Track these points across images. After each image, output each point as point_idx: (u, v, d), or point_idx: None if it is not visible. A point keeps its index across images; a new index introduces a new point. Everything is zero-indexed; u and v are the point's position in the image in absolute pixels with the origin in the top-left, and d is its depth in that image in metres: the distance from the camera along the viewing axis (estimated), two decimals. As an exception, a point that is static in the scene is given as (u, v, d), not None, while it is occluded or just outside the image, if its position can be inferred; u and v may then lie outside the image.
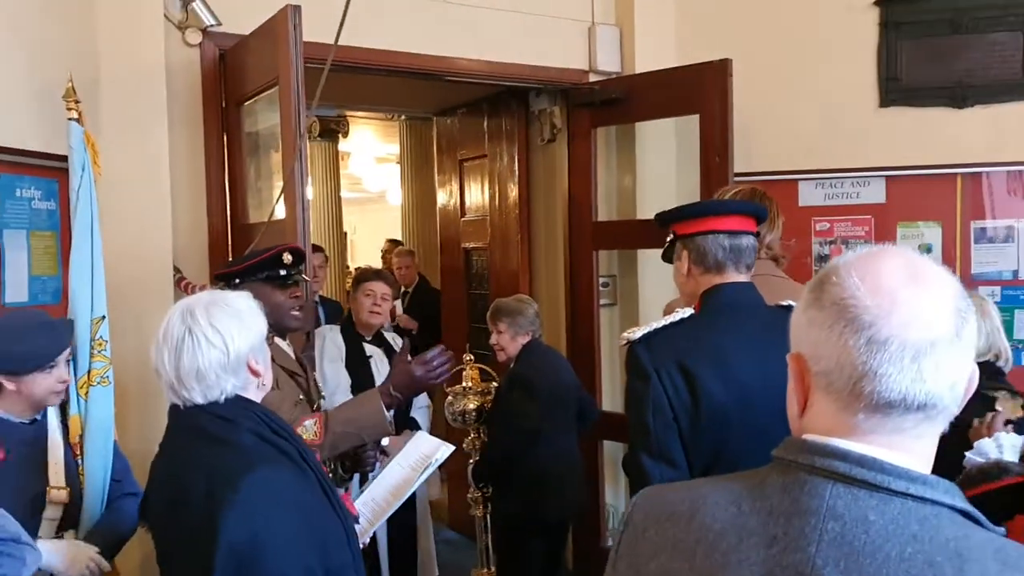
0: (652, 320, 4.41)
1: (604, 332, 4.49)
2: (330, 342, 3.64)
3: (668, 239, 2.08)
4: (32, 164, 2.90)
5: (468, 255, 5.31)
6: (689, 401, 1.83)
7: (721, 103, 3.90)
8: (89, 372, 2.44)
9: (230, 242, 3.60)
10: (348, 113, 8.16)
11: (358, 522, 1.96)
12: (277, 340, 2.64)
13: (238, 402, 1.71)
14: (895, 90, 4.32)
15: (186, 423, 1.70)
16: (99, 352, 2.45)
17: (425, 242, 7.27)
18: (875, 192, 4.38)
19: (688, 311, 1.95)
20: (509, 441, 3.41)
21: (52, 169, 2.98)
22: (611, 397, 4.53)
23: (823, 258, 4.44)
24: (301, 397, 2.60)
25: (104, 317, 2.51)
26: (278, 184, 3.22)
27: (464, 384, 3.61)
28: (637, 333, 1.92)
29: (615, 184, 4.56)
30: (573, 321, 4.48)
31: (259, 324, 1.76)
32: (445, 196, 5.47)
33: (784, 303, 2.01)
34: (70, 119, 2.61)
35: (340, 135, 8.78)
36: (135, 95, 3.31)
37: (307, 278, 2.68)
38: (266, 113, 3.41)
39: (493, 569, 3.57)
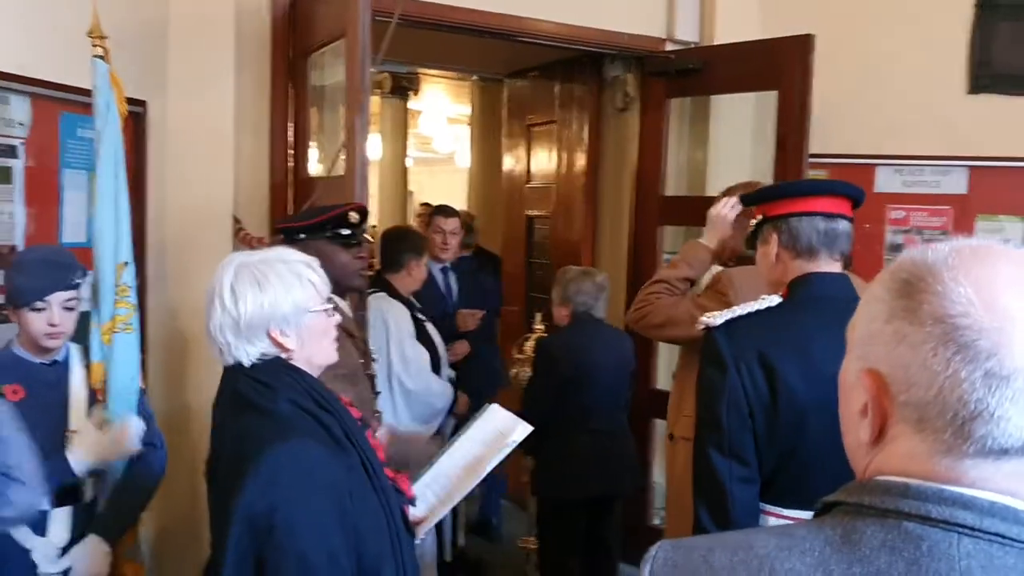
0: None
1: (663, 309, 4.39)
2: (403, 319, 3.55)
3: (753, 221, 1.96)
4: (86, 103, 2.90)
5: (531, 223, 5.24)
6: (768, 397, 1.74)
7: (802, 80, 3.74)
8: (113, 318, 2.40)
9: (291, 196, 3.58)
10: (420, 71, 8.09)
11: (414, 505, 1.90)
12: (336, 298, 2.62)
13: (278, 366, 1.64)
14: (986, 75, 4.10)
15: (226, 384, 1.67)
16: (123, 298, 2.41)
17: (489, 208, 7.21)
18: (956, 182, 4.18)
19: (774, 298, 1.83)
20: (531, 408, 3.35)
21: (118, 110, 2.99)
22: (665, 375, 4.44)
23: (896, 247, 4.26)
24: (362, 360, 2.57)
25: (128, 263, 2.46)
26: (342, 140, 3.18)
27: (528, 353, 3.60)
28: (718, 319, 1.80)
29: (686, 158, 4.43)
30: (633, 297, 4.37)
31: (291, 294, 1.65)
32: (512, 161, 5.40)
33: None
34: (95, 56, 2.51)
35: (411, 92, 8.73)
36: (203, 40, 3.30)
37: (370, 239, 2.64)
38: (333, 67, 3.36)
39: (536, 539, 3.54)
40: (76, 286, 2.24)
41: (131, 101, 2.99)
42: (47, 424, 2.17)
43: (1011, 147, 4.05)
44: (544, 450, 3.32)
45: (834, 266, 1.85)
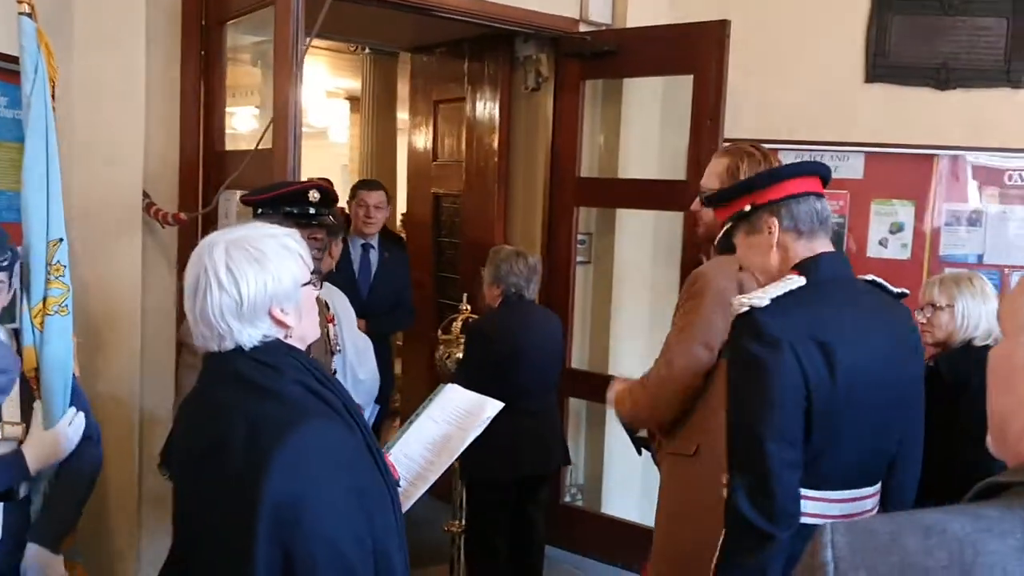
0: (627, 280, 4.48)
1: (579, 290, 4.43)
2: (348, 306, 3.42)
3: (731, 217, 1.93)
4: (-1, 68, 2.67)
5: (438, 201, 5.17)
6: (828, 378, 1.72)
7: (717, 65, 3.83)
8: (45, 300, 2.22)
9: (201, 170, 3.41)
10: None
11: (399, 484, 1.84)
12: None
13: (280, 347, 1.56)
14: (882, 66, 4.31)
15: (222, 367, 1.55)
16: (56, 278, 2.24)
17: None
18: (854, 168, 4.37)
19: (797, 280, 1.79)
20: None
21: (18, 73, 2.75)
22: (580, 354, 4.50)
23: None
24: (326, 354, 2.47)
25: (62, 240, 2.28)
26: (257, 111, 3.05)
27: (456, 333, 3.54)
28: (762, 299, 1.75)
29: (598, 141, 4.46)
30: (549, 276, 4.38)
31: (288, 268, 1.55)
32: (416, 138, 5.30)
33: (868, 277, 1.94)
34: (21, 13, 2.30)
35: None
36: (111, 3, 3.08)
37: (332, 221, 2.55)
38: (253, 35, 3.21)
39: (463, 522, 3.51)
40: (3, 267, 2.06)
41: (37, 64, 2.77)
42: None
43: (903, 135, 4.28)
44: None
45: (829, 246, 1.87)
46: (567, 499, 4.49)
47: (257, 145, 2.86)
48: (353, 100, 10.36)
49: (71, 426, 2.14)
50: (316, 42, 7.67)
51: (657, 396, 2.36)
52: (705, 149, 3.85)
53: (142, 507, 3.34)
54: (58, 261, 2.25)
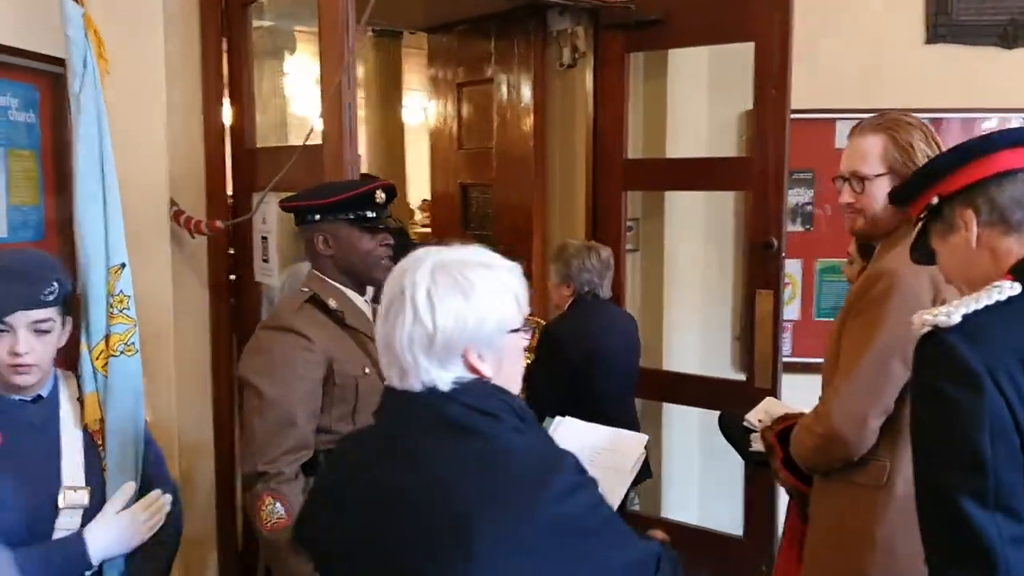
0: (679, 268, 4.18)
1: (627, 280, 4.11)
2: None
3: (920, 216, 1.53)
4: (8, 64, 2.31)
5: (465, 192, 4.83)
6: None
7: (781, 29, 3.50)
8: (108, 338, 1.90)
9: (229, 170, 3.06)
10: (297, 28, 7.43)
11: None
12: (350, 294, 2.21)
13: (489, 390, 1.32)
14: (943, 25, 4.01)
15: (414, 410, 1.32)
16: (120, 311, 1.92)
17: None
18: (917, 135, 4.09)
19: (1009, 287, 1.37)
20: (540, 404, 3.03)
21: (32, 72, 2.40)
22: (678, 356, 4.21)
23: (859, 205, 4.13)
24: (366, 371, 2.14)
25: (124, 265, 1.97)
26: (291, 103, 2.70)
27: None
28: (951, 315, 1.33)
29: (641, 118, 4.14)
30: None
31: (496, 308, 1.31)
32: (440, 125, 4.95)
33: None
34: None
35: (287, 52, 8.03)
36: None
37: (396, 222, 2.23)
38: (286, 17, 2.86)
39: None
40: (49, 302, 1.71)
41: (49, 59, 2.43)
42: (36, 482, 1.69)
43: (968, 98, 3.99)
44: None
45: None
46: (625, 505, 4.20)
47: (306, 140, 2.52)
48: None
49: (149, 511, 1.82)
50: (310, 28, 7.30)
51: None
52: (770, 121, 3.56)
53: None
54: (121, 291, 1.92)
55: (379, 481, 1.32)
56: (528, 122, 4.33)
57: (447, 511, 1.24)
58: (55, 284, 1.72)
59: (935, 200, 1.50)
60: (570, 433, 2.05)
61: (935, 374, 1.33)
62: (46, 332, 1.71)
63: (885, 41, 4.01)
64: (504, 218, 4.52)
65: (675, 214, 4.16)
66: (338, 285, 2.19)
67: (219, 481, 3.14)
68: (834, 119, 4.10)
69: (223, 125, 3.03)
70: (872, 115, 2.10)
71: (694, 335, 4.19)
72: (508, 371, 1.37)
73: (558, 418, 2.13)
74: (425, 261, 1.32)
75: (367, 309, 2.23)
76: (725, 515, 4.02)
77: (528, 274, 1.42)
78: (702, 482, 4.33)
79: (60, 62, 2.41)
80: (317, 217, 2.14)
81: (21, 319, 1.68)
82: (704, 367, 4.13)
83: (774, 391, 3.55)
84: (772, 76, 3.54)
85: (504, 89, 4.44)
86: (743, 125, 4.14)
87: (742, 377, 3.94)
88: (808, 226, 4.13)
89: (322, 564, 1.45)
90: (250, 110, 3.03)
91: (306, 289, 2.17)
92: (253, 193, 2.96)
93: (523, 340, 1.39)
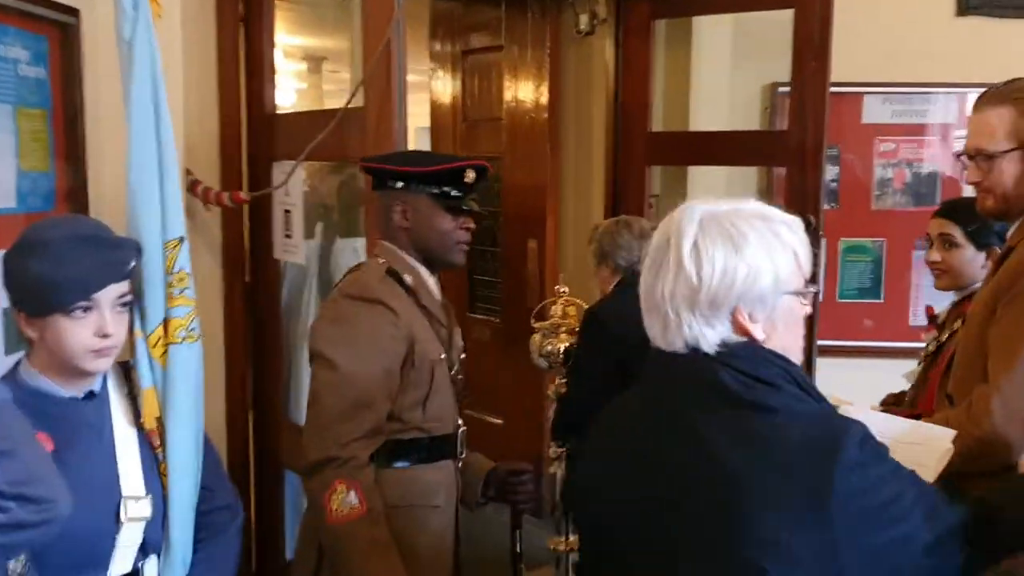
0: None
1: (650, 259, 3.93)
2: None
3: None
4: (17, 10, 2.03)
5: (470, 165, 4.59)
6: None
7: (823, -4, 3.32)
8: (166, 323, 1.65)
9: (244, 137, 2.81)
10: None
11: None
12: (423, 272, 2.01)
13: (766, 356, 1.18)
14: (975, -5, 3.89)
15: (684, 374, 1.21)
16: (181, 292, 1.66)
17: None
18: (946, 111, 3.97)
19: None
20: (582, 391, 2.83)
21: (42, 20, 2.12)
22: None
23: (886, 182, 4.00)
24: (442, 356, 1.97)
25: (183, 239, 1.71)
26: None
27: (553, 320, 3.01)
28: None
29: (663, 90, 3.95)
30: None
31: (771, 264, 1.17)
32: (440, 95, 4.70)
33: None
34: None
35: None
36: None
37: (478, 208, 2.03)
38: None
39: (574, 539, 3.01)
40: (128, 274, 1.49)
41: (60, 7, 2.16)
42: (96, 493, 1.45)
43: (1000, 73, 3.86)
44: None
45: None
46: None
47: (348, 103, 2.28)
48: (313, 60, 9.55)
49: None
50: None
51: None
52: (810, 93, 3.37)
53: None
54: (181, 268, 1.66)
55: (652, 452, 1.23)
56: (541, 92, 4.11)
57: (727, 493, 1.12)
58: (135, 253, 1.49)
59: None
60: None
61: None
62: (125, 307, 1.50)
63: (915, 13, 3.86)
64: (514, 194, 4.30)
65: (697, 191, 3.98)
66: (412, 261, 2.00)
67: (232, 475, 2.90)
68: (861, 93, 3.97)
69: (239, 88, 2.77)
70: (999, 85, 1.92)
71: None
72: (784, 337, 1.21)
73: (846, 407, 1.90)
74: (695, 210, 1.20)
75: (438, 291, 2.03)
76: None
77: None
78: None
79: (73, 11, 2.15)
80: (399, 185, 1.95)
81: (109, 295, 1.46)
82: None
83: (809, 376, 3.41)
84: (812, 46, 3.35)
85: (515, 57, 4.21)
86: (766, 98, 3.99)
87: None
88: (833, 204, 3.98)
89: (589, 533, 1.39)
90: (269, 70, 2.77)
91: (383, 260, 1.98)
92: (273, 162, 2.71)
93: (804, 307, 1.24)
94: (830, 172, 4.00)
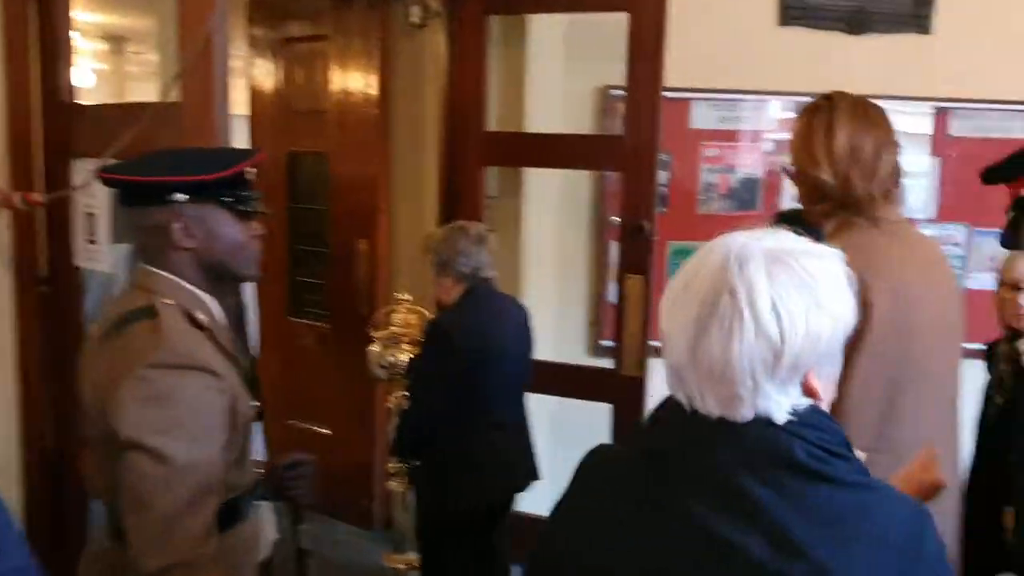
0: (536, 250, 3.95)
1: (486, 262, 3.83)
2: None
3: (1017, 203, 1.41)
4: None
5: (294, 160, 4.34)
6: None
7: (657, 1, 3.32)
8: None
9: (43, 131, 2.48)
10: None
11: None
12: (209, 301, 1.68)
13: (828, 423, 1.04)
14: (796, 7, 4.01)
15: (756, 446, 1.01)
16: None
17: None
18: (769, 118, 4.09)
19: None
20: (428, 406, 2.71)
21: None
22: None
23: (711, 187, 4.08)
24: (252, 405, 1.70)
25: None
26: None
27: (394, 329, 2.85)
28: None
29: (498, 89, 3.85)
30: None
31: (847, 313, 1.03)
32: (262, 84, 4.41)
33: None
34: None
35: None
36: None
37: (264, 209, 1.77)
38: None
39: (414, 556, 2.87)
40: None
41: None
42: None
43: (820, 81, 4.01)
44: (437, 453, 2.66)
45: None
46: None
47: (163, 97, 2.03)
48: (114, 40, 8.81)
49: None
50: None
51: None
52: (644, 98, 3.38)
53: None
54: None
55: (700, 525, 1.01)
56: (371, 85, 3.93)
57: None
58: None
59: None
60: None
61: None
62: None
63: (739, 22, 3.95)
64: (342, 191, 4.09)
65: (533, 193, 3.92)
66: (197, 291, 1.66)
67: (28, 516, 2.58)
68: (688, 99, 4.02)
69: (28, 73, 2.44)
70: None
71: (549, 320, 3.99)
72: (831, 390, 1.09)
73: None
74: (754, 251, 1.00)
75: (220, 315, 1.72)
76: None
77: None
78: (552, 474, 4.15)
79: None
80: (179, 197, 1.60)
81: None
82: (558, 354, 3.94)
83: (643, 379, 3.42)
84: (646, 51, 3.36)
85: (342, 48, 3.99)
86: (599, 100, 3.97)
87: (600, 363, 3.80)
88: (663, 208, 4.02)
89: None
90: (64, 53, 2.45)
91: (170, 301, 1.61)
92: (73, 160, 2.41)
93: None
94: (660, 176, 4.04)
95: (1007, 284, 2.39)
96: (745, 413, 1.01)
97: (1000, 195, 4.04)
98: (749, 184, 4.07)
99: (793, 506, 0.99)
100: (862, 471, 1.03)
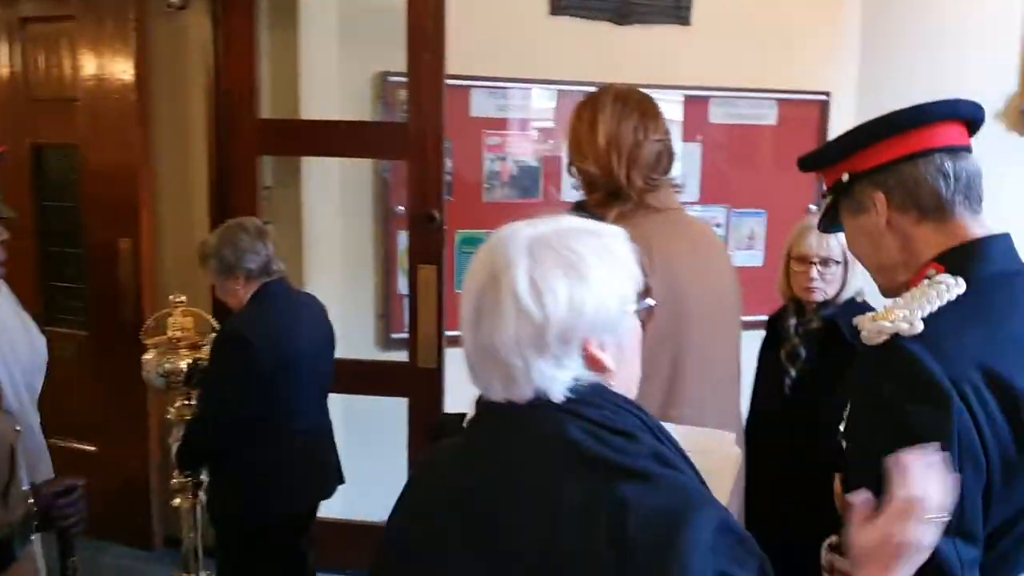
0: (319, 241, 3.79)
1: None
2: None
3: (830, 190, 1.40)
4: None
5: (39, 154, 3.90)
6: (1008, 433, 1.18)
7: (434, -16, 3.27)
8: None
9: None
10: None
11: None
12: None
13: (614, 400, 1.05)
14: (566, -4, 4.10)
15: (529, 432, 1.03)
16: None
17: None
18: (545, 107, 4.15)
19: (950, 282, 1.25)
20: (219, 415, 2.52)
21: None
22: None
23: (494, 175, 4.09)
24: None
25: None
26: None
27: (171, 334, 2.59)
28: (913, 322, 1.18)
29: (270, 74, 3.65)
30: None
31: (615, 284, 1.06)
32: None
33: None
34: None
35: None
36: None
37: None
38: None
39: (205, 575, 2.66)
40: None
41: None
42: None
43: (589, 70, 4.12)
44: (233, 464, 2.47)
45: (981, 223, 1.33)
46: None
47: None
48: None
49: None
50: None
51: None
52: (426, 86, 3.32)
53: None
54: None
55: (493, 523, 1.02)
56: (127, 71, 3.60)
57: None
58: None
59: (845, 176, 1.38)
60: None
61: (896, 390, 1.19)
62: None
63: (513, 10, 3.98)
64: (98, 188, 3.72)
65: (312, 183, 3.76)
66: None
67: None
68: (468, 87, 4.00)
69: None
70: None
71: (336, 315, 3.84)
72: (631, 364, 1.11)
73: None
74: (517, 237, 1.05)
75: None
76: (376, 506, 3.74)
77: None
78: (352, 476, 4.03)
79: None
80: None
81: None
82: (347, 350, 3.80)
83: (439, 370, 3.38)
84: (426, 38, 3.31)
85: (91, 30, 3.63)
86: (377, 87, 3.86)
87: (393, 357, 3.71)
88: (448, 196, 3.98)
89: None
90: None
91: None
92: None
93: (637, 322, 1.12)
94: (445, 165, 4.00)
95: (795, 258, 2.52)
96: (523, 392, 1.03)
97: (753, 178, 4.42)
98: (530, 172, 4.11)
99: (570, 492, 0.99)
100: (650, 452, 1.03)
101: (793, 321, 2.51)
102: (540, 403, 1.03)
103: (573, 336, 1.02)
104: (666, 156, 2.01)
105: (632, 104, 2.00)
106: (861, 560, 1.09)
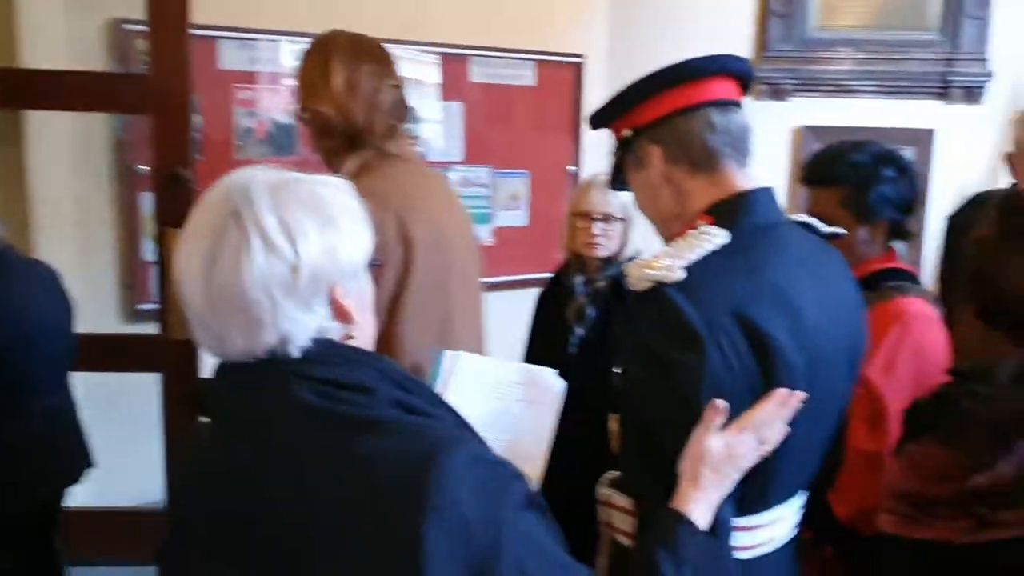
0: (48, 203, 3.42)
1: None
2: None
3: (617, 146, 1.40)
4: None
5: None
6: (758, 377, 1.22)
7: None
8: None
9: None
10: None
11: None
12: None
13: (349, 354, 1.04)
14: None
15: (256, 398, 1.01)
16: None
17: None
18: (291, 60, 3.96)
19: (716, 233, 1.28)
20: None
21: None
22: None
23: (248, 132, 3.87)
24: None
25: None
26: None
27: None
28: (674, 270, 1.21)
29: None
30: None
31: (358, 235, 1.06)
32: None
33: (801, 218, 1.46)
34: None
35: None
36: None
37: None
38: None
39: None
40: None
41: None
42: None
43: (336, 23, 3.96)
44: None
45: (747, 176, 1.37)
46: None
47: None
48: None
49: None
50: None
51: None
52: (170, 38, 3.04)
53: None
54: None
55: (255, 490, 1.00)
56: None
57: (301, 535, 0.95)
58: None
59: (627, 132, 1.39)
60: (473, 372, 1.64)
61: (657, 335, 1.23)
62: None
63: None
64: None
65: (37, 139, 3.37)
66: None
67: None
68: (215, 38, 3.74)
69: None
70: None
71: (72, 286, 3.49)
72: (369, 318, 1.11)
73: (450, 352, 1.68)
74: (256, 179, 1.02)
75: None
76: (126, 491, 3.47)
77: None
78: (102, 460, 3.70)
79: None
80: None
81: None
82: (88, 324, 3.47)
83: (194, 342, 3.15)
84: (167, -20, 3.02)
85: None
86: (109, 36, 3.52)
87: (141, 329, 3.44)
88: (198, 155, 3.72)
89: None
90: None
91: None
92: None
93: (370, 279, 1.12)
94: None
95: (578, 214, 2.55)
96: (267, 338, 1.00)
97: (515, 139, 4.47)
98: (285, 129, 3.93)
99: (305, 451, 0.98)
100: (391, 402, 1.02)
101: (580, 279, 2.54)
102: (271, 365, 1.00)
103: (323, 280, 1.01)
104: (402, 103, 2.01)
105: (366, 48, 1.97)
106: (680, 478, 1.19)
